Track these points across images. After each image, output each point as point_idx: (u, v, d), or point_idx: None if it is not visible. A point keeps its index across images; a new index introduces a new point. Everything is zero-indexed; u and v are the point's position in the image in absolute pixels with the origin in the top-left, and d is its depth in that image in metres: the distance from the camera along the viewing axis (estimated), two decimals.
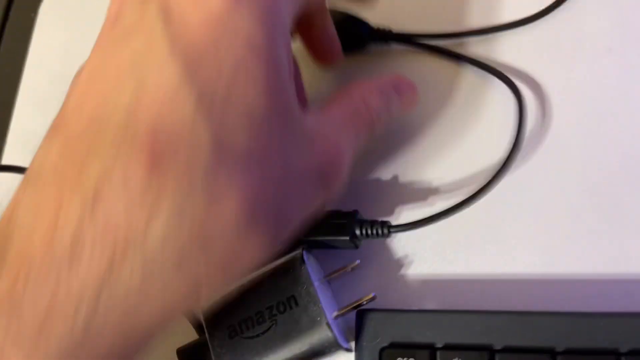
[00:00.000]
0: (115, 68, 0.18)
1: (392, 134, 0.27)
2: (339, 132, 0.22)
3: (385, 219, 0.25)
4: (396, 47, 0.28)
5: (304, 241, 0.23)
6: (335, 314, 0.22)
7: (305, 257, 0.23)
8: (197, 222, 0.17)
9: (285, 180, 0.19)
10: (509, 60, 0.27)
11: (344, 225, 0.24)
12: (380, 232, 0.24)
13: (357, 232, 0.24)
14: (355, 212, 0.25)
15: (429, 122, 0.27)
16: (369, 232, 0.24)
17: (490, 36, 0.27)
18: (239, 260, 0.18)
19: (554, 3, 0.27)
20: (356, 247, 0.24)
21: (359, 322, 0.22)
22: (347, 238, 0.24)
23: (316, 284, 0.22)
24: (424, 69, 0.28)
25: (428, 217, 0.24)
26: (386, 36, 0.27)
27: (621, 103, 0.25)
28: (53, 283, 0.16)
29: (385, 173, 0.27)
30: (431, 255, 0.25)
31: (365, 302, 0.22)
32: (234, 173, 0.17)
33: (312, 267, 0.23)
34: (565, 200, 0.25)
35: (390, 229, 0.24)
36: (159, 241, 0.16)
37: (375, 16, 0.27)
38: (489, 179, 0.24)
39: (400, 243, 0.25)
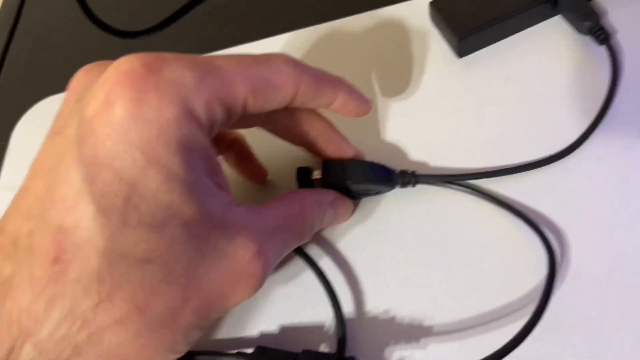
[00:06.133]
0: (36, 178, 0.21)
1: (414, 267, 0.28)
2: (268, 236, 0.22)
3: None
4: (421, 186, 0.30)
5: None
6: None
7: None
8: (86, 321, 0.18)
9: (187, 288, 0.20)
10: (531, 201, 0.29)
11: None
12: None
13: None
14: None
15: (455, 261, 0.28)
16: None
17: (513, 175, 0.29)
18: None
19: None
20: None
21: None
22: None
23: None
24: (450, 204, 0.30)
25: None
26: (411, 179, 0.30)
27: None
28: None
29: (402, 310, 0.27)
30: None
31: None
32: (123, 279, 0.19)
33: None
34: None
35: None
36: (53, 334, 0.18)
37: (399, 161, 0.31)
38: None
39: None
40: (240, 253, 0.21)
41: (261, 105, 0.23)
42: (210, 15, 0.44)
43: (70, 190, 0.19)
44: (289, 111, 0.27)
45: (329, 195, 0.28)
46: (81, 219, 0.19)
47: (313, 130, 0.28)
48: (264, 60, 0.23)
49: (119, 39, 0.46)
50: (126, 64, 0.20)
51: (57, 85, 0.43)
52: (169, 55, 0.21)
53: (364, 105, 0.28)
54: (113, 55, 0.46)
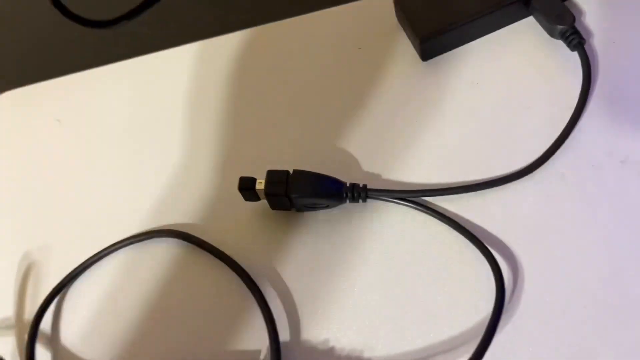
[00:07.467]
0: None
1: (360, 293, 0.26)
2: None
3: None
4: (372, 202, 0.28)
5: None
6: None
7: None
8: None
9: None
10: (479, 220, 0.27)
11: None
12: None
13: None
14: None
15: (408, 284, 0.26)
16: None
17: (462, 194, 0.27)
18: None
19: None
20: None
21: None
22: None
23: None
24: (401, 222, 0.27)
25: None
26: (361, 193, 0.27)
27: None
28: None
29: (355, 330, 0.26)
30: None
31: None
32: None
33: None
34: None
35: None
36: None
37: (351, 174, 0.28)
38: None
39: None
40: None
41: None
42: (181, 6, 0.42)
43: None
44: None
45: None
46: None
47: None
48: None
49: (87, 28, 0.44)
50: None
51: (25, 78, 0.41)
52: None
53: None
54: (81, 46, 0.45)
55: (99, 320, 0.28)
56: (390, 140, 0.30)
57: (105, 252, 0.29)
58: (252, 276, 0.27)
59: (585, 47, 0.29)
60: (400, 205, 0.28)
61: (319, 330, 0.26)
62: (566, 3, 0.30)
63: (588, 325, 0.23)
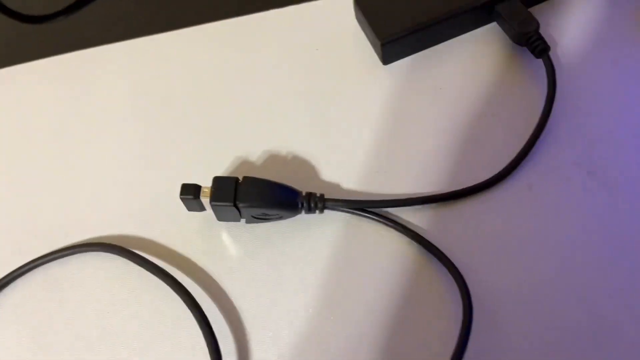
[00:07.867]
0: None
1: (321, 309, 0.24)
2: None
3: None
4: (329, 212, 0.26)
5: None
6: None
7: None
8: None
9: None
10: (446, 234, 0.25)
11: None
12: None
13: None
14: None
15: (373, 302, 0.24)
16: None
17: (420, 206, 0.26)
18: None
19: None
20: None
21: None
22: None
23: None
24: (360, 235, 0.25)
25: None
26: (317, 203, 0.25)
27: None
28: None
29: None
30: None
31: None
32: None
33: None
34: None
35: None
36: None
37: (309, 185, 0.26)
38: None
39: None
40: None
41: None
42: (122, 2, 0.39)
43: None
44: None
45: None
46: None
47: None
48: None
49: (21, 24, 0.40)
50: None
51: None
52: None
53: None
54: (17, 42, 0.40)
55: (20, 351, 0.24)
56: (349, 148, 0.27)
57: (26, 268, 0.25)
58: (195, 295, 0.24)
59: (551, 54, 0.28)
60: (360, 217, 0.25)
61: (268, 356, 0.23)
62: (531, 10, 0.29)
63: (558, 341, 0.22)
